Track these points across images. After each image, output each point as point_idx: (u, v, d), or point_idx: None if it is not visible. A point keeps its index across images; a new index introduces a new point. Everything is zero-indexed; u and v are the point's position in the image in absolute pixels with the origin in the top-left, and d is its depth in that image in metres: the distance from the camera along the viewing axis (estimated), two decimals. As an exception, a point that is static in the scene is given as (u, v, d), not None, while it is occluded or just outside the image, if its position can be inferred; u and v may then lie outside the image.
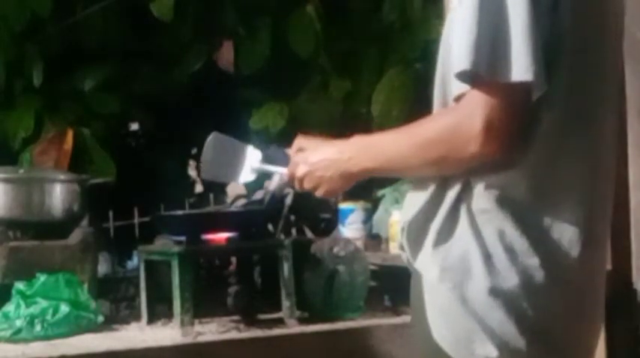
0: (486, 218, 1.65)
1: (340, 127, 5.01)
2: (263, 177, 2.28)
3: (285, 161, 2.04)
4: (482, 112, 1.58)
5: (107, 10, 4.73)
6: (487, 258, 1.64)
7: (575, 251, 1.65)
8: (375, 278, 3.27)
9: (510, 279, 1.63)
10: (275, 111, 4.91)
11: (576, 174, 1.67)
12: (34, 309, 2.69)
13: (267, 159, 2.20)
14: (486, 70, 1.58)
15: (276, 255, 2.89)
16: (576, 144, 1.67)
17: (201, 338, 2.61)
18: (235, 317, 2.83)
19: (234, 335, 2.66)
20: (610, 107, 1.74)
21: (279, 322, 2.76)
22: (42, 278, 2.77)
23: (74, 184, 3.22)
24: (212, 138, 2.17)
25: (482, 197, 1.66)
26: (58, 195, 3.16)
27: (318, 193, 1.88)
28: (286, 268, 2.86)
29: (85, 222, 3.14)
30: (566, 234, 1.65)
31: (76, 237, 3.03)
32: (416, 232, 1.73)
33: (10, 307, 2.73)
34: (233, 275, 3.05)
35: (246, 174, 2.16)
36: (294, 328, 2.71)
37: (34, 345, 2.57)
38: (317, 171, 1.87)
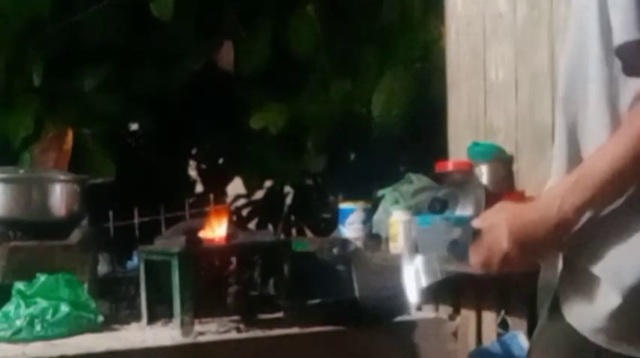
0: None
1: (340, 127, 5.03)
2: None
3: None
4: None
5: (107, 10, 4.73)
6: None
7: None
8: (374, 278, 3.27)
9: None
10: (275, 111, 4.91)
11: None
12: (34, 309, 2.68)
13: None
14: None
15: (276, 255, 2.89)
16: None
17: (201, 338, 2.61)
18: (235, 317, 2.83)
19: (234, 335, 2.66)
20: None
21: (279, 322, 2.75)
22: (42, 278, 2.77)
23: (74, 184, 3.22)
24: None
25: None
26: (58, 195, 3.16)
27: (520, 260, 1.63)
28: (286, 268, 2.86)
29: (85, 222, 3.14)
30: None
31: (76, 237, 3.02)
32: None
33: (10, 307, 2.72)
34: (233, 275, 3.05)
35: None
36: (294, 328, 2.71)
37: (34, 345, 2.57)
38: (525, 239, 1.61)
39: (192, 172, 6.02)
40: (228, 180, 5.81)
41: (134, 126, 5.65)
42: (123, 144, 5.39)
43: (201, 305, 2.77)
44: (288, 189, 5.82)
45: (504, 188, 3.55)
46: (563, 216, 1.58)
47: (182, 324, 2.66)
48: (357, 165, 5.64)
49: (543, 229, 1.59)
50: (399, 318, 2.72)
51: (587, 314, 1.63)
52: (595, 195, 1.56)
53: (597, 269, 1.60)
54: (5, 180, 3.12)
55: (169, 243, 2.91)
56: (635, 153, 1.51)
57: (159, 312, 2.87)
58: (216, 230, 2.90)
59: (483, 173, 3.63)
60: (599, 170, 1.55)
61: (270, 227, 5.54)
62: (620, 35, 1.50)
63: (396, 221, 3.53)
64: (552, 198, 1.60)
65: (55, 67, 4.67)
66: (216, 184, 5.68)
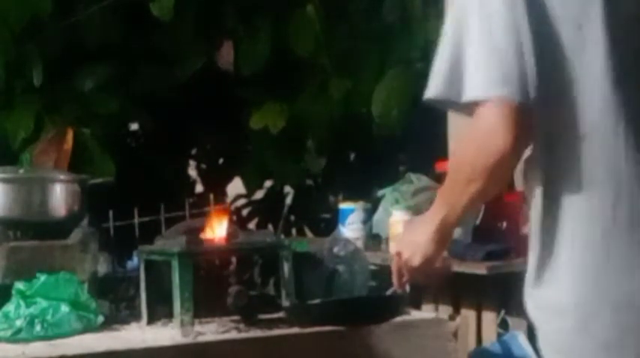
0: None
1: (340, 127, 5.03)
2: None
3: None
4: (492, 118, 1.79)
5: (107, 9, 4.73)
6: None
7: None
8: (375, 278, 3.27)
9: None
10: (275, 111, 4.91)
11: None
12: (34, 309, 2.68)
13: None
14: (445, 94, 1.80)
15: (276, 255, 2.89)
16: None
17: (201, 338, 2.61)
18: (235, 317, 2.83)
19: (234, 335, 2.66)
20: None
21: (279, 322, 2.75)
22: (42, 278, 2.77)
23: (74, 184, 3.22)
24: None
25: None
26: (58, 195, 3.15)
27: (415, 260, 1.94)
28: (286, 268, 2.86)
29: (85, 222, 3.13)
30: None
31: (76, 237, 3.02)
32: None
33: (10, 307, 2.72)
34: (233, 275, 3.05)
35: None
36: (294, 328, 2.71)
37: (34, 345, 2.57)
38: (407, 236, 1.98)
39: (192, 172, 6.02)
40: (228, 180, 5.81)
41: (134, 126, 5.65)
42: (123, 144, 5.39)
43: (201, 305, 2.77)
44: (288, 189, 5.81)
45: (503, 188, 3.55)
46: (431, 224, 1.87)
47: (182, 324, 2.66)
48: (357, 165, 5.64)
49: (419, 232, 1.91)
50: (399, 318, 2.72)
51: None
52: (451, 209, 1.83)
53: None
54: (5, 180, 3.12)
55: (169, 243, 2.91)
56: (458, 172, 1.83)
57: (159, 312, 2.87)
58: (216, 230, 2.90)
59: (483, 173, 3.63)
60: (445, 187, 1.86)
61: (270, 227, 5.54)
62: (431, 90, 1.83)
63: (396, 221, 3.54)
64: (427, 213, 1.90)
65: (55, 67, 4.67)
66: (216, 184, 5.68)
